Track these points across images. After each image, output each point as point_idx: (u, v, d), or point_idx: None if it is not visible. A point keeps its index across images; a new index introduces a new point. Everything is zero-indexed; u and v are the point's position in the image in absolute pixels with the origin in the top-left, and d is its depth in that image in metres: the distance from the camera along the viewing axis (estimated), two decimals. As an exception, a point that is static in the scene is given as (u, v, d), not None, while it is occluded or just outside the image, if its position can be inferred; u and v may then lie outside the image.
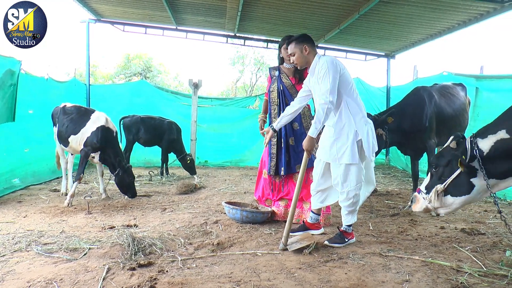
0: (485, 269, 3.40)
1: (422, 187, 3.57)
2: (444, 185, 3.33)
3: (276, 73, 5.16)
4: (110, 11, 10.78)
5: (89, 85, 11.24)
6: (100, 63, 24.42)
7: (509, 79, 6.57)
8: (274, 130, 4.49)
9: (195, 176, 8.78)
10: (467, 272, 3.32)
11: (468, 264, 3.53)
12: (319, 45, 11.88)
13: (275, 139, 5.04)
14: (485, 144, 3.13)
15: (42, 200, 6.35)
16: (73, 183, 6.06)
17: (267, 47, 12.82)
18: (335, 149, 4.01)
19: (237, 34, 11.85)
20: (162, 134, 9.13)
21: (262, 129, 5.20)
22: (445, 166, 3.35)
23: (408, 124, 5.65)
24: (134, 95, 11.65)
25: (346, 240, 4.13)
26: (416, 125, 5.69)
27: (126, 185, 6.18)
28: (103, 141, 6.07)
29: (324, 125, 4.09)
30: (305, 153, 4.02)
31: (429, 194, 3.45)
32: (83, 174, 6.03)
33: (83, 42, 11.16)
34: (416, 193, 3.63)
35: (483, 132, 3.18)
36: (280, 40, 5.18)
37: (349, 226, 4.16)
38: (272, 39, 12.09)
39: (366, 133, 3.98)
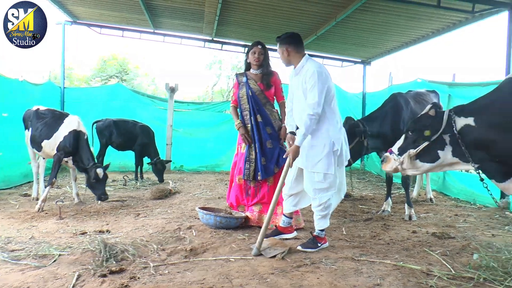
0: (453, 272, 3.46)
1: (395, 148, 3.69)
2: (417, 151, 3.46)
3: (244, 79, 5.13)
4: (86, 13, 10.68)
5: (64, 88, 11.10)
6: (76, 65, 24.09)
7: (479, 86, 6.72)
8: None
9: (169, 181, 8.73)
10: (436, 276, 3.37)
11: (438, 267, 3.59)
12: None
13: (253, 144, 5.03)
14: (458, 124, 3.25)
15: (11, 205, 6.21)
16: (45, 187, 5.95)
17: (244, 52, 12.83)
18: (310, 157, 4.06)
19: (215, 39, 11.86)
20: (135, 138, 9.04)
21: (247, 134, 5.09)
22: (420, 132, 3.46)
23: (387, 130, 5.72)
24: (110, 98, 11.54)
25: (319, 245, 4.15)
26: (394, 131, 5.75)
27: (95, 186, 5.97)
28: (75, 145, 5.98)
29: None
30: (287, 161, 4.02)
31: (400, 156, 3.58)
32: (56, 178, 5.92)
33: (59, 44, 11.02)
34: (387, 153, 3.75)
35: (459, 112, 3.27)
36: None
37: (322, 231, 4.18)
38: (249, 44, 12.07)
39: (341, 142, 4.07)
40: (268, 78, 5.03)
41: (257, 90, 5.04)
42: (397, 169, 3.64)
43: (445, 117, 3.32)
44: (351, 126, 5.48)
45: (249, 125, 5.04)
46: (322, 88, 3.91)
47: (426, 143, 3.38)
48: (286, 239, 4.49)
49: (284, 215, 4.56)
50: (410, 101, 5.99)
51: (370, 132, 5.62)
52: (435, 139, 3.35)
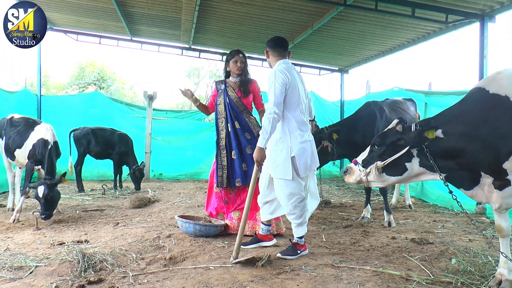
0: (432, 277, 3.52)
1: (359, 159, 3.66)
2: (384, 163, 3.42)
3: (222, 86, 5.19)
4: (63, 20, 10.56)
5: (41, 95, 10.91)
6: (52, 72, 23.74)
7: (454, 95, 6.86)
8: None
9: (149, 190, 8.65)
10: (415, 281, 3.42)
11: (417, 272, 3.64)
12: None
13: (225, 151, 5.06)
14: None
15: (-14, 216, 6.07)
16: (20, 197, 5.83)
17: (222, 60, 12.87)
18: (271, 162, 4.12)
19: (192, 46, 11.84)
20: (113, 146, 8.93)
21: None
22: (388, 146, 3.45)
23: (359, 137, 5.75)
24: (88, 106, 11.41)
25: (299, 252, 4.15)
26: (367, 138, 5.79)
27: (48, 201, 5.48)
28: (41, 153, 5.84)
29: None
30: (255, 165, 4.03)
31: (365, 168, 3.54)
32: (29, 188, 5.78)
33: (34, 51, 10.84)
34: (351, 165, 3.71)
35: (425, 124, 3.28)
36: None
37: (301, 238, 4.20)
38: (227, 52, 12.10)
39: (301, 150, 4.05)
40: (246, 85, 5.09)
41: (235, 97, 5.09)
42: (362, 181, 3.59)
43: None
44: (314, 133, 5.53)
45: (224, 132, 5.08)
46: (281, 88, 3.90)
47: (394, 157, 3.38)
48: (266, 246, 4.49)
49: (262, 223, 4.57)
50: (385, 109, 6.01)
51: (338, 139, 5.66)
52: (405, 152, 3.35)
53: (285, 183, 4.05)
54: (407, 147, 3.30)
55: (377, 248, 4.49)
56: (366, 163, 3.57)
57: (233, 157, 5.02)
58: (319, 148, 5.46)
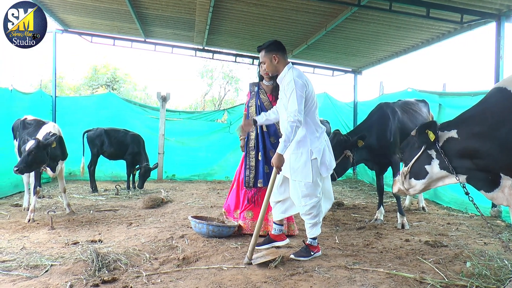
0: (446, 280, 3.48)
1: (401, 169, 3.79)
2: (408, 168, 3.51)
3: (256, 88, 5.26)
4: (77, 22, 10.66)
5: (56, 97, 11.03)
6: (66, 74, 23.94)
7: (469, 96, 6.79)
8: (255, 122, 4.61)
9: (162, 190, 8.69)
10: (429, 284, 3.39)
11: (431, 275, 3.61)
12: (287, 60, 12.00)
13: (253, 152, 5.11)
14: (441, 138, 3.29)
15: (1, 216, 6.15)
16: (33, 197, 5.89)
17: (235, 61, 12.91)
18: (290, 165, 4.12)
19: (206, 48, 11.87)
20: (126, 147, 8.99)
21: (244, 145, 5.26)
22: (408, 152, 3.58)
23: (374, 141, 5.72)
24: (101, 107, 11.47)
25: (312, 253, 4.15)
26: (381, 141, 5.76)
27: (29, 156, 5.38)
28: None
29: None
30: (274, 169, 4.04)
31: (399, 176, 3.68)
32: (40, 187, 5.84)
33: (49, 53, 10.97)
34: (397, 177, 3.82)
35: (445, 127, 3.31)
36: (255, 55, 5.27)
37: (314, 239, 4.20)
38: (240, 53, 12.16)
39: (321, 151, 4.09)
40: (277, 90, 5.06)
41: (266, 100, 5.15)
42: (401, 190, 3.70)
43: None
44: (339, 142, 5.49)
45: (254, 133, 5.13)
46: (301, 95, 3.92)
47: (413, 159, 3.46)
48: (278, 247, 4.50)
49: (274, 223, 4.59)
50: (397, 111, 5.98)
51: (355, 148, 5.62)
52: (421, 154, 3.40)
53: (305, 185, 4.06)
54: (423, 148, 3.36)
55: (391, 250, 4.46)
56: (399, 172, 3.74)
57: (259, 158, 5.07)
58: (340, 158, 5.44)
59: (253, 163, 5.09)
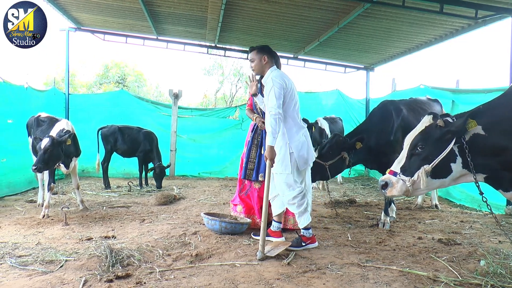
0: (460, 278, 3.46)
1: (397, 168, 3.30)
2: (432, 165, 3.11)
3: (259, 85, 5.25)
4: (90, 20, 10.74)
5: (69, 94, 11.14)
6: (78, 71, 24.11)
7: (482, 93, 6.72)
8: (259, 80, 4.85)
9: (174, 187, 8.73)
10: (443, 282, 3.37)
11: (445, 273, 3.58)
12: (299, 57, 12.00)
13: (258, 148, 5.16)
14: (467, 133, 3.05)
15: (17, 212, 6.23)
16: (47, 193, 5.96)
17: (247, 58, 12.88)
18: None
19: (218, 45, 11.89)
20: (139, 144, 9.05)
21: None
22: (433, 145, 3.14)
23: (374, 141, 5.59)
24: (114, 104, 11.56)
25: (304, 244, 4.35)
26: (381, 140, 5.60)
27: (45, 154, 5.49)
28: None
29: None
30: (267, 162, 4.21)
31: (410, 176, 3.18)
32: (54, 183, 5.92)
33: (62, 51, 11.07)
34: (389, 176, 3.32)
35: (466, 114, 3.07)
36: None
37: (307, 229, 4.38)
38: (253, 50, 12.12)
39: (298, 146, 4.38)
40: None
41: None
42: (407, 191, 3.22)
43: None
44: (337, 143, 5.52)
45: (260, 131, 5.20)
46: (279, 92, 4.24)
47: (441, 156, 3.08)
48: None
49: (274, 220, 4.74)
50: (402, 109, 5.77)
51: (353, 151, 5.55)
52: (449, 150, 3.07)
53: (286, 176, 4.36)
54: (453, 141, 3.04)
55: (403, 248, 4.44)
56: (408, 171, 3.23)
57: (262, 152, 5.11)
58: (336, 158, 5.44)
59: (255, 157, 5.17)
